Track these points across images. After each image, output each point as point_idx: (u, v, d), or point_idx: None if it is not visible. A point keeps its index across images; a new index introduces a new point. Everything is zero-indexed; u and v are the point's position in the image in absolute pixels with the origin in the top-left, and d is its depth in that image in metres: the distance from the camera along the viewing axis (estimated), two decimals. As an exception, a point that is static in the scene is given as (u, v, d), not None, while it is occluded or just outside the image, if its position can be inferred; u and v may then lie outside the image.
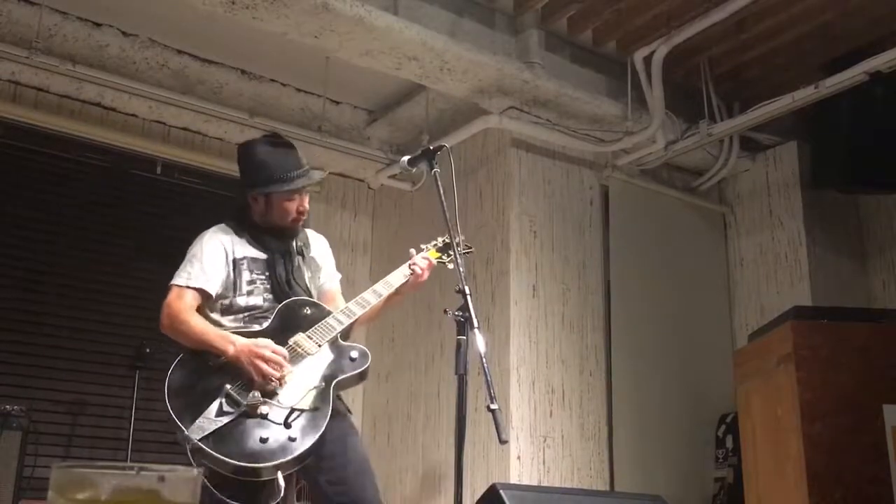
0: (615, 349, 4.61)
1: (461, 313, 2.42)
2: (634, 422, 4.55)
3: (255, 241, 2.73)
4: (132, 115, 4.69)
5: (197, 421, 2.36)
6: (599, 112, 4.64)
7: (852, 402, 3.02)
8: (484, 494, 3.38)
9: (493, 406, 2.23)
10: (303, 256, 2.82)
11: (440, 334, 4.61)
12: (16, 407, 3.69)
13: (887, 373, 3.05)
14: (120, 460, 4.02)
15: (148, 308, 4.50)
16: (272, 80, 4.99)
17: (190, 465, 2.34)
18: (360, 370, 2.64)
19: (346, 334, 2.71)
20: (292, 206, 2.75)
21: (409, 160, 2.76)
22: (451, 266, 2.92)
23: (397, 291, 2.85)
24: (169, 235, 4.74)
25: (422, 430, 4.68)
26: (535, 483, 4.11)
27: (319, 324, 2.64)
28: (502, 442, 2.21)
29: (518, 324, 4.30)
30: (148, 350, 4.08)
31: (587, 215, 4.78)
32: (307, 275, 2.81)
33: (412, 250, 2.95)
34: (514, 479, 4.02)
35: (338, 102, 5.25)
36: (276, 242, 2.75)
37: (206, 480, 2.22)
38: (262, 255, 2.72)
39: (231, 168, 4.87)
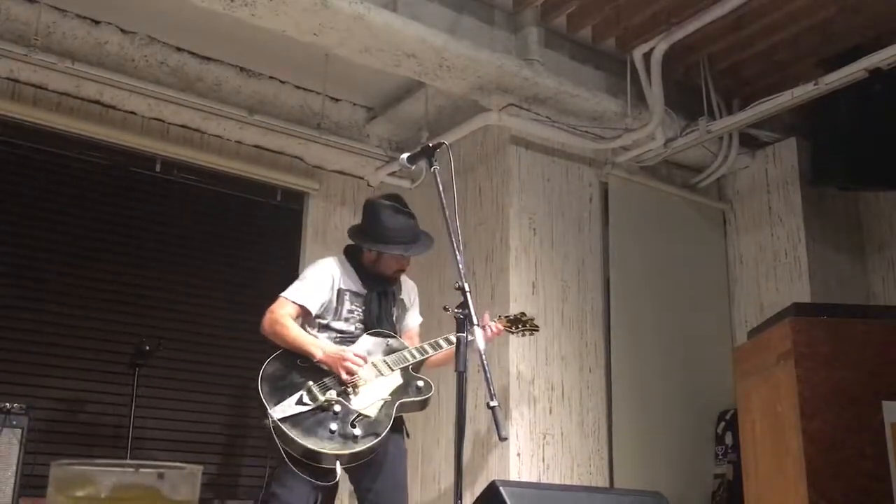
0: (615, 346, 4.62)
1: (461, 310, 2.44)
2: (634, 419, 4.56)
3: (360, 279, 3.22)
4: (131, 112, 4.68)
5: (280, 404, 2.82)
6: (599, 109, 4.64)
7: (852, 398, 3.02)
8: (484, 492, 3.38)
9: (492, 403, 2.25)
10: (394, 297, 3.29)
11: (440, 331, 4.59)
12: (16, 404, 3.69)
13: (887, 369, 3.05)
14: (120, 457, 4.02)
15: (147, 305, 4.54)
16: (271, 78, 4.99)
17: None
18: (423, 398, 3.09)
19: (416, 368, 3.18)
20: (396, 265, 3.22)
21: (408, 157, 2.77)
22: (519, 337, 3.62)
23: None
24: (168, 233, 4.75)
25: (421, 428, 4.68)
26: (534, 480, 4.11)
27: (397, 353, 3.15)
28: (502, 439, 2.22)
29: (518, 321, 4.30)
30: (147, 348, 4.07)
31: (586, 212, 4.78)
32: (395, 314, 3.29)
33: (487, 313, 3.41)
34: (513, 477, 4.03)
35: (337, 100, 5.25)
36: (376, 284, 3.22)
37: (284, 456, 2.76)
38: (363, 291, 3.20)
39: (230, 165, 4.91)
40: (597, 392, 4.52)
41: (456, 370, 2.39)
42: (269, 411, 2.78)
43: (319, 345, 3.01)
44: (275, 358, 2.99)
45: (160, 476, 0.96)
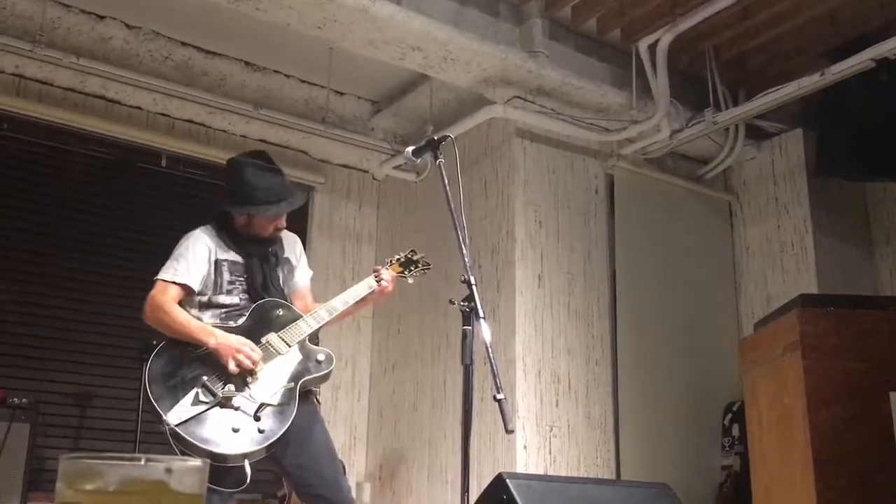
0: (621, 338, 4.61)
1: (467, 303, 2.43)
2: (640, 411, 4.56)
3: (236, 246, 2.93)
4: (136, 107, 4.69)
5: (174, 407, 2.56)
6: (604, 101, 4.63)
7: (858, 389, 3.02)
8: (490, 484, 3.38)
9: (499, 396, 2.24)
10: (277, 259, 3.00)
11: (446, 324, 4.62)
12: (24, 399, 3.71)
13: (893, 360, 3.05)
14: (128, 452, 4.03)
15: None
16: (276, 72, 4.99)
17: (171, 449, 2.56)
18: (324, 372, 2.85)
19: (314, 337, 2.92)
20: (271, 225, 2.94)
21: (413, 151, 2.77)
22: (410, 281, 3.21)
23: (363, 300, 3.03)
24: (174, 227, 4.73)
25: (428, 420, 4.69)
26: (541, 472, 4.12)
27: (290, 326, 2.85)
28: (508, 431, 2.22)
29: (524, 313, 4.30)
30: (154, 342, 4.06)
31: (592, 204, 4.77)
32: (281, 276, 3.00)
33: (377, 265, 3.15)
34: (520, 469, 4.03)
35: (342, 93, 5.24)
36: (254, 248, 2.94)
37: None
38: (240, 259, 2.92)
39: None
40: (603, 384, 4.52)
41: (462, 363, 2.39)
42: (164, 417, 2.52)
43: (211, 331, 2.73)
44: (160, 352, 2.71)
45: (168, 470, 0.96)
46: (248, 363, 2.67)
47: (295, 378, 2.77)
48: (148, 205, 4.72)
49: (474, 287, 2.43)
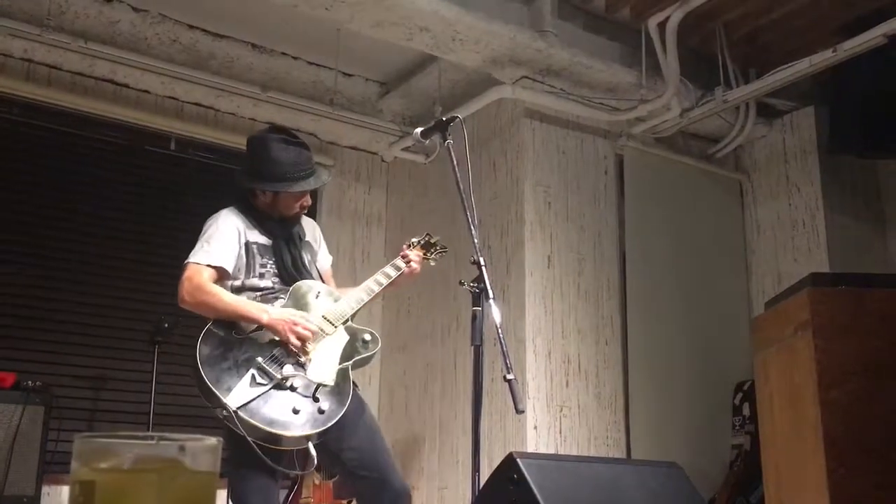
0: (631, 318, 4.61)
1: (476, 284, 2.43)
2: (651, 390, 4.56)
3: (261, 227, 2.86)
4: (145, 91, 4.69)
5: (233, 391, 2.49)
6: (613, 80, 4.60)
7: (870, 368, 3.00)
8: (501, 464, 3.39)
9: (509, 376, 2.24)
10: (301, 240, 2.95)
11: (456, 306, 4.62)
12: (38, 382, 3.74)
13: (906, 338, 3.03)
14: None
15: (165, 283, 4.56)
16: (283, 54, 4.97)
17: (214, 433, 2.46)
18: (371, 353, 2.82)
19: (354, 318, 2.88)
20: (297, 204, 2.88)
21: (421, 132, 2.76)
22: (432, 263, 3.20)
23: (394, 282, 3.00)
24: (184, 210, 4.77)
25: (438, 401, 4.71)
26: (552, 452, 4.13)
27: (334, 307, 2.81)
28: (519, 412, 2.23)
29: (533, 294, 4.31)
30: (166, 325, 4.11)
31: (602, 185, 4.76)
32: (307, 258, 2.94)
33: (404, 245, 3.12)
34: (531, 449, 4.05)
35: (350, 75, 5.22)
36: (279, 229, 2.88)
37: (254, 446, 2.43)
38: (267, 241, 2.85)
39: (244, 142, 4.90)
40: (613, 364, 4.53)
41: (472, 344, 2.40)
42: (224, 401, 2.44)
43: (263, 307, 2.67)
44: (207, 335, 2.60)
45: (181, 448, 0.97)
46: (307, 334, 2.62)
47: (346, 358, 2.74)
48: (157, 188, 4.73)
49: (484, 268, 2.43)
